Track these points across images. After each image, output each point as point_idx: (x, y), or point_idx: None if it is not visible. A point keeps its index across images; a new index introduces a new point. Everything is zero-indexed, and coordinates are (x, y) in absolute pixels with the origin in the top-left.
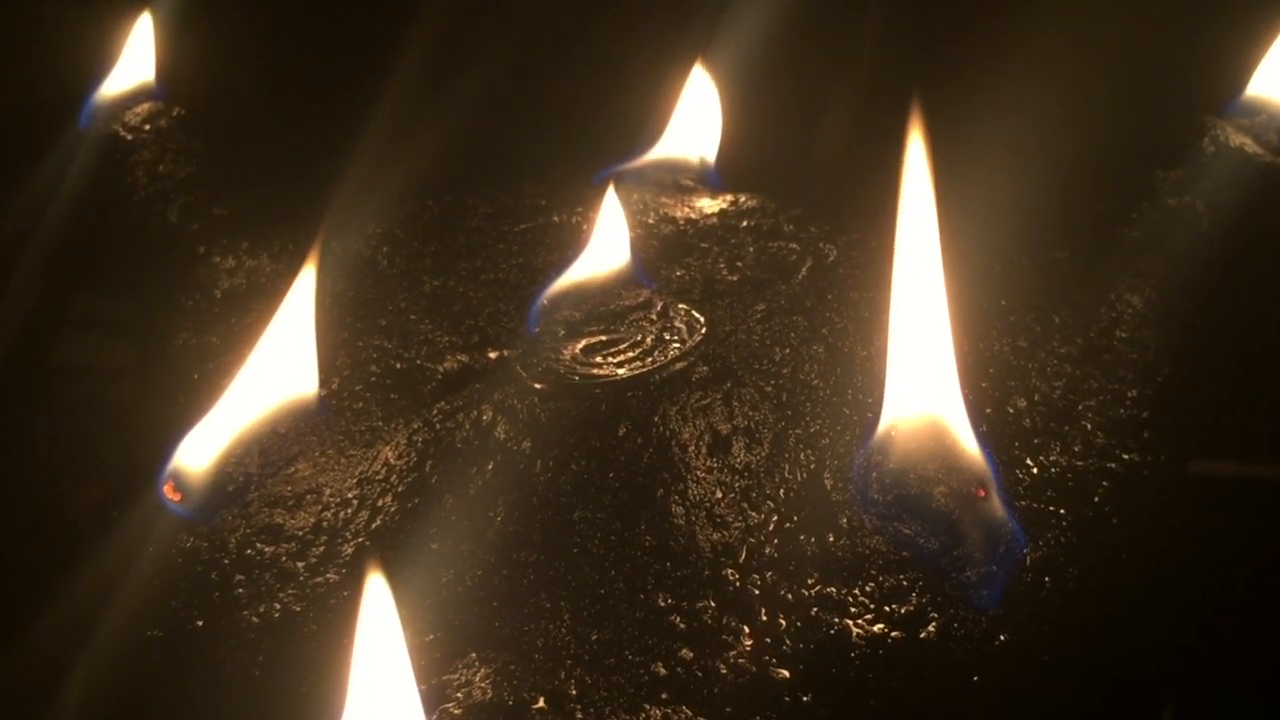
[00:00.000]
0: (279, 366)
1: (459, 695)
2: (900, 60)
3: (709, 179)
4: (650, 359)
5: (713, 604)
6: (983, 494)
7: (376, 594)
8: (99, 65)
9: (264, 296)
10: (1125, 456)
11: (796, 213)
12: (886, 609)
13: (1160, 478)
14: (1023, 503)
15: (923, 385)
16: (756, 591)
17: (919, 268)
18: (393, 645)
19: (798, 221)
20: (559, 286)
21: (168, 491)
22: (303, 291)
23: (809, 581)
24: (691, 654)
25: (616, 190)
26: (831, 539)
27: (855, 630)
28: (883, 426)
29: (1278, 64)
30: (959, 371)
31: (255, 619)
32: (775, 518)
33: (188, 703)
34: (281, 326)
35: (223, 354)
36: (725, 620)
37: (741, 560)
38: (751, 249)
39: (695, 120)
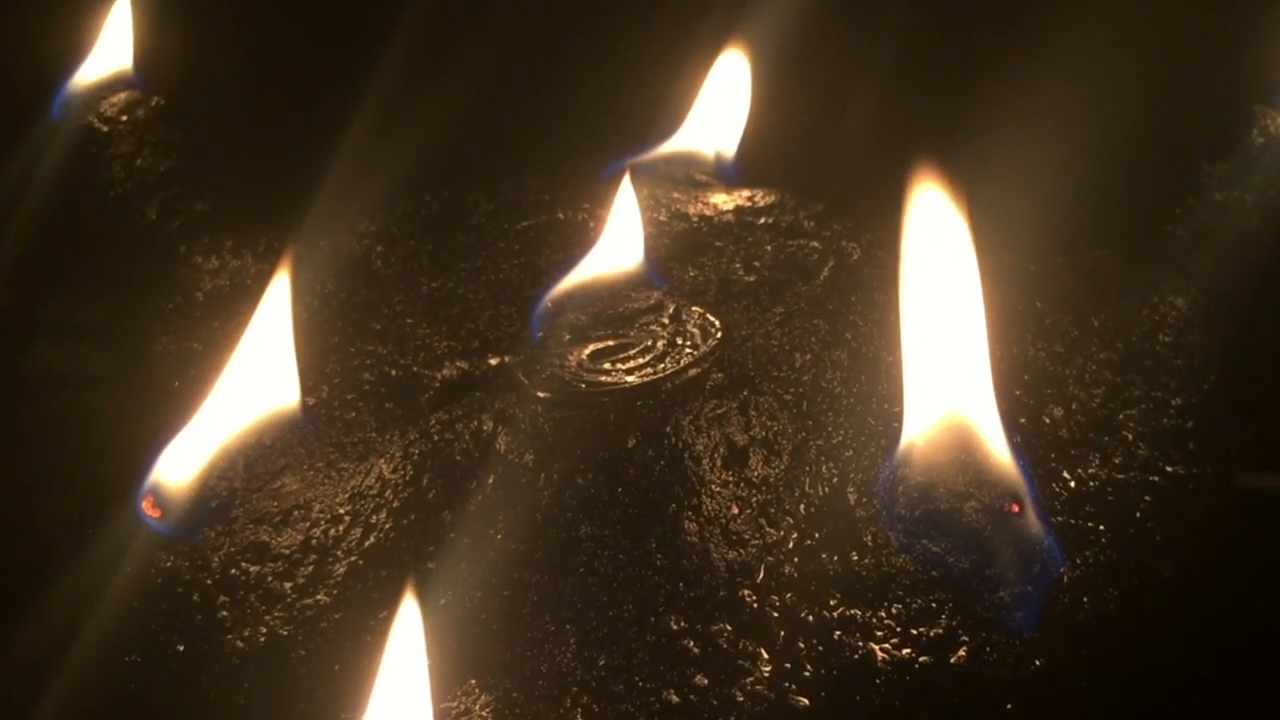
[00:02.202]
0: (258, 375)
1: None
2: (930, 49)
3: (725, 173)
4: (662, 365)
5: (728, 627)
6: (1016, 509)
7: (407, 623)
8: (73, 51)
9: (249, 299)
10: (1169, 469)
11: (818, 209)
12: (914, 632)
13: (1206, 491)
14: (1059, 518)
15: (952, 393)
16: (775, 614)
17: (947, 267)
18: (415, 680)
19: (819, 218)
20: (564, 288)
21: (147, 507)
22: (279, 294)
23: (831, 603)
24: (706, 680)
25: (631, 182)
26: (855, 557)
27: (880, 655)
28: (909, 437)
29: None
30: (991, 379)
31: (240, 643)
32: (795, 535)
33: None
34: (258, 332)
35: (205, 360)
36: (742, 644)
37: (759, 580)
38: (770, 248)
39: (716, 110)
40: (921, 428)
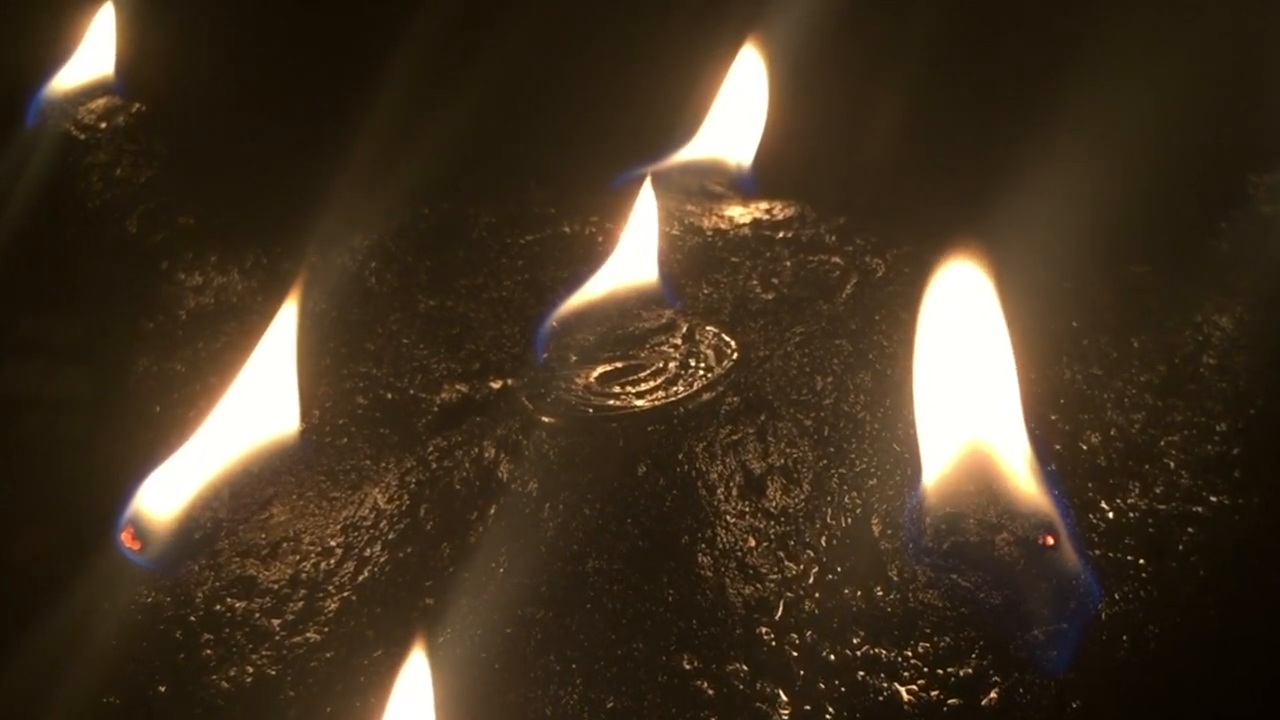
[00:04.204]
0: (256, 401)
1: None
2: (958, 55)
3: (741, 184)
4: (674, 389)
5: (744, 667)
6: (1051, 542)
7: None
8: (51, 55)
9: (234, 317)
10: (1213, 499)
11: (839, 222)
12: (942, 672)
13: (1252, 523)
14: (1097, 551)
15: (982, 419)
16: (794, 653)
17: (971, 285)
18: None
19: (841, 233)
20: (571, 306)
21: (126, 539)
22: (287, 318)
23: (854, 641)
24: None
25: (649, 191)
26: (879, 593)
27: (906, 696)
28: (938, 465)
29: None
30: (1024, 403)
31: (225, 684)
32: (815, 569)
33: None
34: (264, 358)
35: (188, 383)
36: (759, 685)
37: (777, 617)
38: (789, 264)
39: (732, 118)
40: (950, 455)
